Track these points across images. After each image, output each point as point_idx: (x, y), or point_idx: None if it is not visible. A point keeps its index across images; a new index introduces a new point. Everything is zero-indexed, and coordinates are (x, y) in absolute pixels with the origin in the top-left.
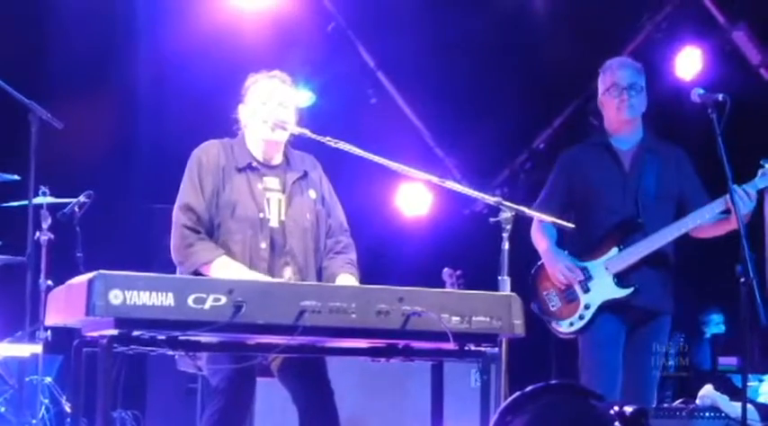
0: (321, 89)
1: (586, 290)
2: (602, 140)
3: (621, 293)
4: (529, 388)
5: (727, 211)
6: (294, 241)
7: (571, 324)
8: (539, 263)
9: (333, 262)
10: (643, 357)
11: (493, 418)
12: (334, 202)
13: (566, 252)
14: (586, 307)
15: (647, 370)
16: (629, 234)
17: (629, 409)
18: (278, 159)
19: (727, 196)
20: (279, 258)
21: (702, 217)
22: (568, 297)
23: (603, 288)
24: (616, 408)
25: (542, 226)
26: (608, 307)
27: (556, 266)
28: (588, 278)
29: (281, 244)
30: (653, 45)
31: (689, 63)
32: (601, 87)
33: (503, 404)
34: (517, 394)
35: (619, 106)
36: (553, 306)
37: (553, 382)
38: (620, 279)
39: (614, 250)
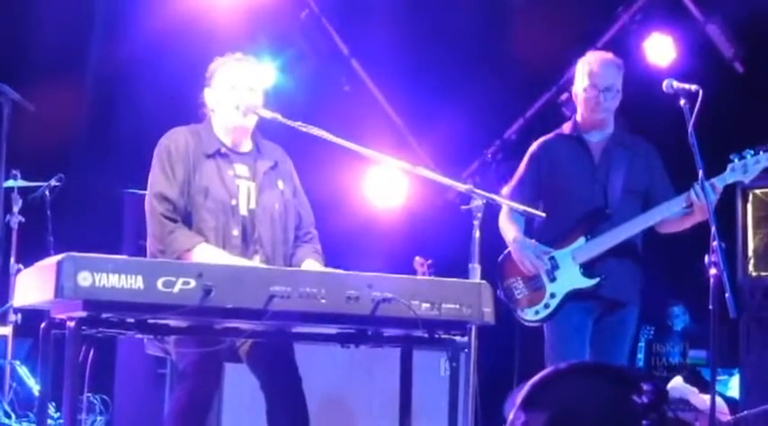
0: (294, 76)
1: (553, 279)
2: (573, 132)
3: (588, 283)
4: (551, 370)
5: (691, 205)
6: (263, 229)
7: (536, 313)
8: (506, 251)
9: (300, 250)
10: (610, 348)
11: (519, 395)
12: (302, 196)
13: (533, 240)
14: (552, 296)
15: (615, 362)
16: (597, 224)
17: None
18: (246, 146)
19: (691, 190)
20: (249, 246)
21: (669, 209)
22: (534, 285)
23: (570, 278)
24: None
25: (511, 214)
26: (574, 297)
27: (524, 254)
28: (555, 267)
29: (251, 232)
30: (627, 36)
31: (662, 54)
32: (578, 80)
33: (523, 393)
34: (548, 371)
35: (594, 107)
36: (519, 293)
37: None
38: (587, 268)
39: (581, 239)
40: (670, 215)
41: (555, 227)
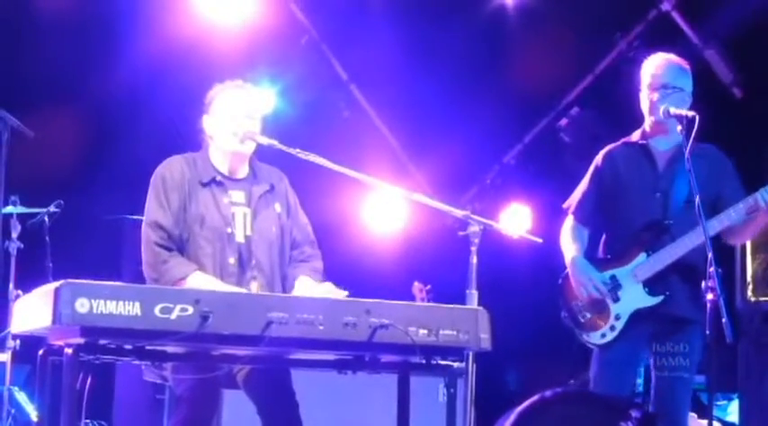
0: (293, 102)
1: (616, 300)
2: (639, 139)
3: (652, 301)
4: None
5: (753, 211)
6: (260, 255)
7: (603, 336)
8: (565, 272)
9: (296, 270)
10: (675, 368)
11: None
12: (299, 215)
13: (586, 259)
14: (617, 318)
15: (680, 380)
16: (657, 237)
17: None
18: (243, 172)
19: (758, 195)
20: (246, 273)
21: (729, 218)
22: (598, 307)
23: (634, 297)
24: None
25: (573, 230)
26: (636, 316)
27: (581, 281)
28: (617, 286)
29: (248, 259)
30: (626, 62)
31: None
32: (642, 85)
33: (510, 422)
34: (535, 400)
35: (651, 110)
36: (583, 317)
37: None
38: (650, 286)
39: (642, 255)
40: (731, 223)
41: (616, 241)
